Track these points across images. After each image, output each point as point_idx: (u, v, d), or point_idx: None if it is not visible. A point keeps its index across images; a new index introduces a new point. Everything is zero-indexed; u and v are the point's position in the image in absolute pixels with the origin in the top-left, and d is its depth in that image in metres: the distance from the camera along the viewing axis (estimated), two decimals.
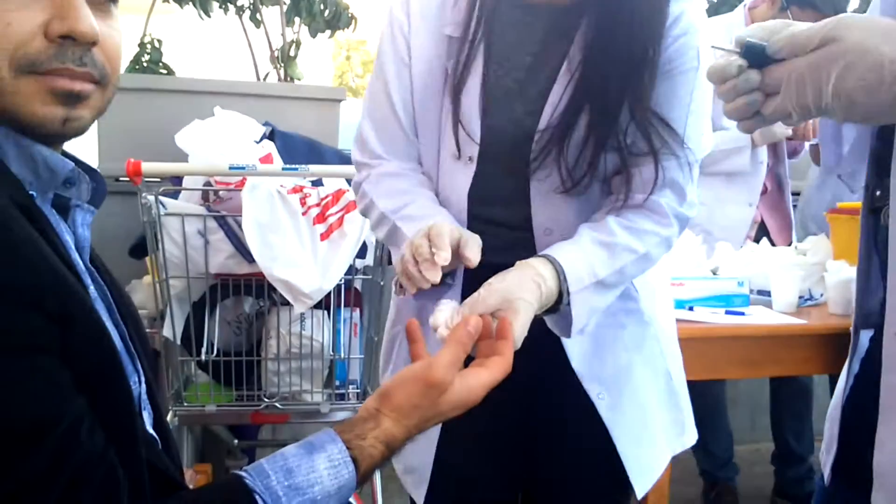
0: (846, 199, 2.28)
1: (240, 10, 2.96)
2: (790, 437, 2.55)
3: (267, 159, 1.95)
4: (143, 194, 1.72)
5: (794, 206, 2.55)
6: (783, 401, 2.58)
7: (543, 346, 1.05)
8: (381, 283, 1.91)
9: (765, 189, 2.42)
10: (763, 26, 0.77)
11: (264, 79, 2.96)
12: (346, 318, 1.90)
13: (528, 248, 1.07)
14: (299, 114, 2.45)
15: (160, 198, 1.74)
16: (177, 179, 1.90)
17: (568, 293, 0.99)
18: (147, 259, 1.87)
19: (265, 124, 2.18)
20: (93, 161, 2.23)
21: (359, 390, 1.94)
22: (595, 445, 1.14)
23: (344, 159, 2.12)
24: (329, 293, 1.77)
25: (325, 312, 1.87)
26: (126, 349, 0.77)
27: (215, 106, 2.19)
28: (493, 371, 0.84)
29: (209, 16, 2.94)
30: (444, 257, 0.92)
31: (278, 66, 2.94)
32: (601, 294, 1.03)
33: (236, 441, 2.29)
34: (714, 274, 1.98)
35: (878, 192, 0.89)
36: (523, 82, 1.08)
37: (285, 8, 2.94)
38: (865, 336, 0.93)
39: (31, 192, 0.70)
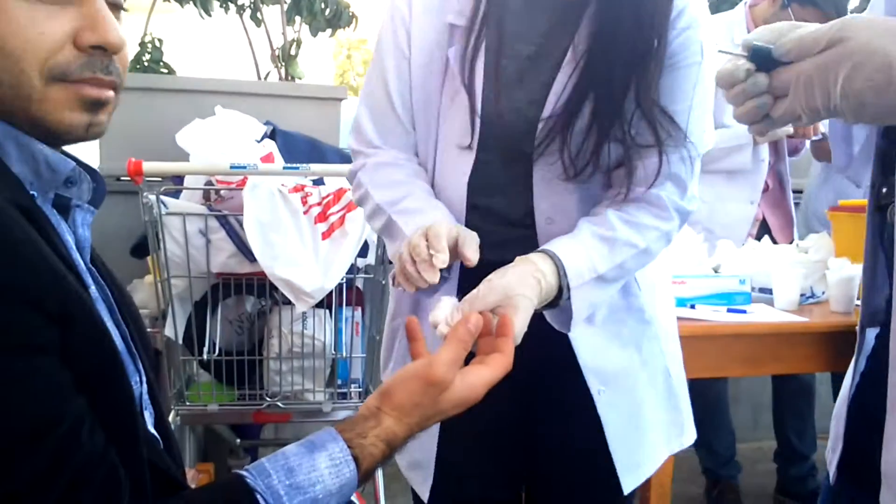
0: (850, 196, 2.27)
1: (240, 9, 2.97)
2: (792, 435, 2.54)
3: (268, 158, 1.95)
4: (145, 194, 1.72)
5: (796, 204, 2.54)
6: (785, 399, 2.57)
7: (544, 342, 1.04)
8: (383, 282, 1.90)
9: (766, 187, 2.41)
10: (769, 29, 0.76)
11: (265, 78, 2.96)
12: (347, 317, 1.90)
13: (526, 245, 1.06)
14: (300, 113, 2.45)
15: (161, 197, 1.74)
16: (178, 179, 1.91)
17: (568, 288, 0.99)
18: (148, 258, 1.87)
19: (266, 123, 2.18)
20: (94, 161, 2.24)
21: (361, 389, 1.94)
22: (592, 441, 1.13)
23: (345, 158, 2.12)
24: (331, 292, 1.77)
25: (327, 311, 1.87)
26: (127, 349, 0.77)
27: (216, 105, 2.19)
28: (493, 369, 0.84)
29: (210, 15, 2.94)
30: (442, 260, 0.93)
31: (279, 65, 2.94)
32: (601, 289, 1.03)
33: (238, 440, 2.30)
34: (715, 272, 1.98)
35: (884, 190, 0.88)
36: (527, 71, 1.07)
37: (286, 7, 2.94)
38: (871, 334, 0.92)
39: (31, 192, 0.70)
